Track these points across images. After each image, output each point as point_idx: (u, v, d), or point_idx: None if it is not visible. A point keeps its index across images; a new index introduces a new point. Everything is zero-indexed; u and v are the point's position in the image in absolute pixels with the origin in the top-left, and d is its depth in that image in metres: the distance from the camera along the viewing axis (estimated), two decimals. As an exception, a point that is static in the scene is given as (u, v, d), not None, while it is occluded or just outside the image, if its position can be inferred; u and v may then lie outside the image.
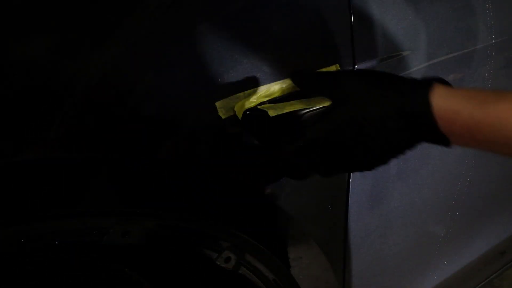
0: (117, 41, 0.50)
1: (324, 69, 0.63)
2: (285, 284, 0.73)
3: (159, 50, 0.53)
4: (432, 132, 0.52)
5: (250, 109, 0.58)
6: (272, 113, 0.56)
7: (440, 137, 0.52)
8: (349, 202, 0.78)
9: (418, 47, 0.79)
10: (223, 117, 0.57)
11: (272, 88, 0.60)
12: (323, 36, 0.65)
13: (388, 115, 0.52)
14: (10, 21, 0.46)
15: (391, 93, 0.53)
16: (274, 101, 0.60)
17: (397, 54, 0.76)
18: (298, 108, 0.58)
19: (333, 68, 0.63)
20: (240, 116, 0.57)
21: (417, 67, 0.79)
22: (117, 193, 0.56)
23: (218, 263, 0.63)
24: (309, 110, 0.58)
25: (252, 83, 0.59)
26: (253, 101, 0.58)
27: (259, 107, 0.58)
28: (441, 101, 0.51)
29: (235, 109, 0.57)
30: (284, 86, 0.61)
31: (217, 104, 0.56)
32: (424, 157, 0.89)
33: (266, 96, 0.59)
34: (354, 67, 0.69)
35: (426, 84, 0.53)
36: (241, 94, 0.58)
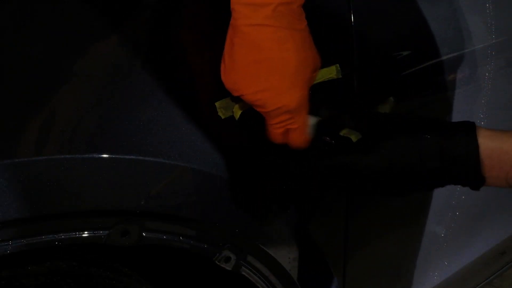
0: (117, 41, 0.50)
1: (324, 69, 0.63)
2: (285, 284, 0.73)
3: (159, 50, 0.53)
4: (471, 173, 0.52)
5: (247, 110, 0.58)
6: None
7: (474, 178, 0.53)
8: (349, 202, 0.78)
9: (418, 47, 0.78)
10: (222, 117, 0.57)
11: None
12: (323, 36, 0.65)
13: (428, 157, 0.52)
14: (9, 20, 0.46)
15: (433, 136, 0.52)
16: None
17: (397, 54, 0.76)
18: None
19: (333, 68, 0.63)
20: (237, 116, 0.57)
21: (417, 67, 0.79)
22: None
23: (218, 263, 0.63)
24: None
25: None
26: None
27: None
28: (487, 141, 0.51)
29: (234, 109, 0.57)
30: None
31: (217, 104, 0.56)
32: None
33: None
34: (354, 67, 0.69)
35: (468, 125, 0.53)
36: (241, 94, 0.58)
